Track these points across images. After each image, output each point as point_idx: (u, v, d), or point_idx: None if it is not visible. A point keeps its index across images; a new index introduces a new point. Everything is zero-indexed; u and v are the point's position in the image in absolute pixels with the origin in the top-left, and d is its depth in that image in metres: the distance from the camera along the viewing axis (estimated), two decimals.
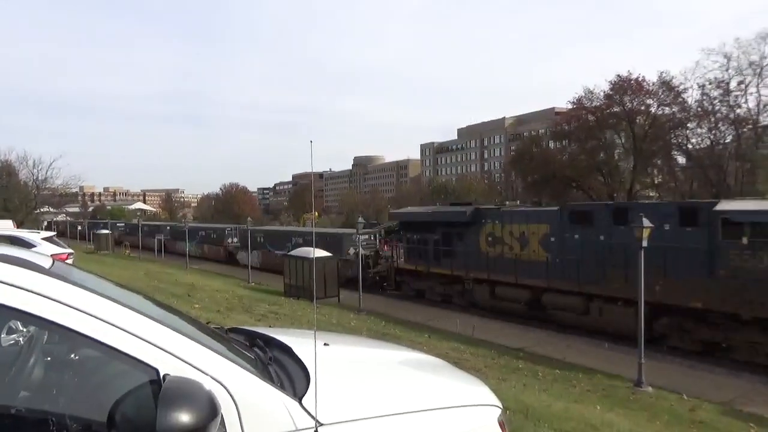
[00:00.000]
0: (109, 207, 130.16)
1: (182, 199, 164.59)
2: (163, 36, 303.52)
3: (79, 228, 65.53)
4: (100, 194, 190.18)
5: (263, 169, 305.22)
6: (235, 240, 45.18)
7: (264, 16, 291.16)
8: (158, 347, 1.73)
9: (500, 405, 2.46)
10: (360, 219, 26.11)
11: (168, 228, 56.85)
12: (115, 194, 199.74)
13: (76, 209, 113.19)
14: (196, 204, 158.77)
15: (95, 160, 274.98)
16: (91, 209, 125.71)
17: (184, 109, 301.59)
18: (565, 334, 19.45)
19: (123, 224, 71.25)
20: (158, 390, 1.59)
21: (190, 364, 1.77)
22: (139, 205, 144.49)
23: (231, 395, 1.79)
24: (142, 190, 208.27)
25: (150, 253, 47.79)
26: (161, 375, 1.68)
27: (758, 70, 38.00)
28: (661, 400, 12.00)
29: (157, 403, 1.53)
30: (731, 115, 40.03)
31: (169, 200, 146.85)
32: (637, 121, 44.15)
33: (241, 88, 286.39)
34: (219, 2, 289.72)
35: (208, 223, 73.39)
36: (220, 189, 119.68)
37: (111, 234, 53.12)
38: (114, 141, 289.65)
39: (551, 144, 55.92)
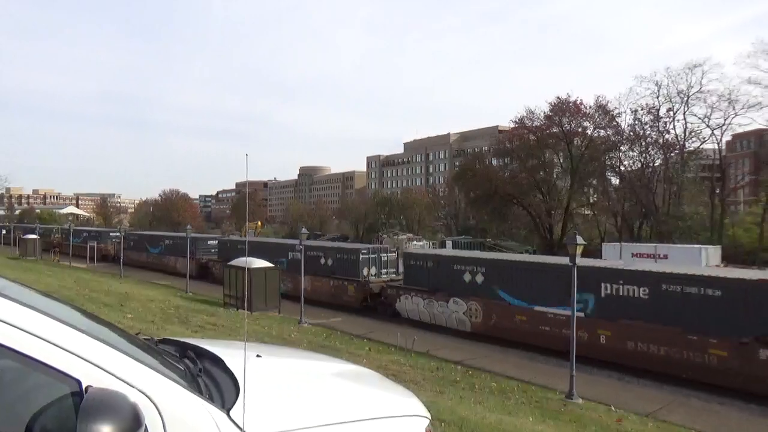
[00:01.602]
0: (38, 210, 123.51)
1: (118, 205, 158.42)
2: (103, 35, 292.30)
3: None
4: (28, 197, 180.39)
5: (206, 176, 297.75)
6: (387, 271, 27.33)
7: (209, 20, 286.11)
8: (81, 358, 1.69)
9: (428, 416, 2.53)
10: (303, 230, 25.75)
11: (209, 244, 37.61)
12: (45, 197, 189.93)
13: (1, 212, 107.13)
14: (133, 210, 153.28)
15: (24, 161, 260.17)
16: (18, 212, 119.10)
17: (124, 111, 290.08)
18: (503, 347, 19.90)
19: (120, 232, 43.60)
20: (80, 402, 1.56)
21: (114, 376, 1.74)
22: (72, 209, 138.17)
23: (156, 407, 1.76)
24: (75, 194, 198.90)
25: (180, 280, 32.61)
26: (83, 386, 1.64)
27: (685, 99, 40.60)
28: (590, 411, 12.45)
29: (78, 415, 1.50)
30: (660, 140, 42.46)
31: (104, 205, 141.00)
32: (575, 142, 46.06)
33: (185, 93, 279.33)
34: (163, 4, 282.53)
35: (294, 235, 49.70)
36: (160, 195, 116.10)
37: (38, 239, 50.31)
38: (46, 141, 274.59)
39: (494, 161, 57.46)
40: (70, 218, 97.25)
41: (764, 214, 38.04)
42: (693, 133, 41.34)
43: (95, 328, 2.12)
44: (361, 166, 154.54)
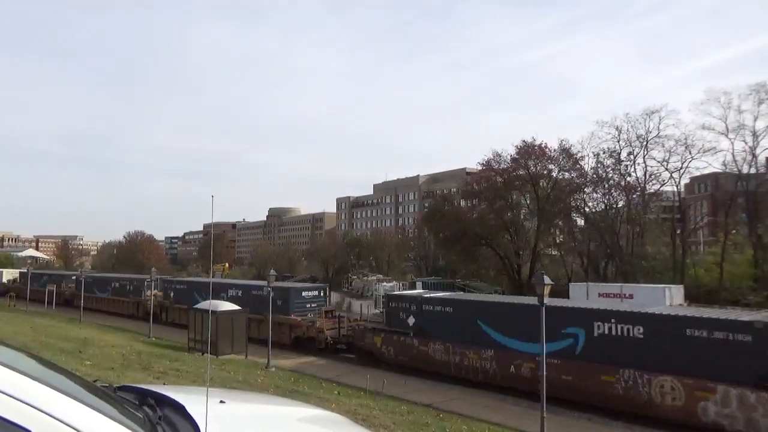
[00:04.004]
0: None
1: (80, 247, 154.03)
2: (67, 76, 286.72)
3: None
4: None
5: (173, 217, 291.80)
6: None
7: (179, 63, 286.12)
8: (31, 406, 1.61)
9: None
10: (272, 271, 25.45)
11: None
12: (3, 239, 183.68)
13: None
14: (95, 252, 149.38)
15: None
16: None
17: (87, 152, 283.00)
18: (474, 390, 19.75)
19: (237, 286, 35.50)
20: None
21: (68, 425, 1.65)
22: (31, 252, 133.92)
23: None
24: (35, 236, 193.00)
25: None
26: None
27: (644, 143, 42.08)
28: None
29: None
30: (622, 183, 43.74)
31: (66, 247, 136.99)
32: (540, 183, 47.06)
33: (152, 134, 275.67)
34: (128, 45, 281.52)
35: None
36: (124, 237, 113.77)
37: None
38: (4, 182, 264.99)
39: (462, 202, 58.14)
40: (29, 261, 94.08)
41: (723, 255, 39.17)
42: (653, 176, 42.65)
43: (48, 375, 2.04)
44: (331, 208, 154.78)
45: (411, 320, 22.75)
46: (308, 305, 29.84)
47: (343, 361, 25.85)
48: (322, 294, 31.73)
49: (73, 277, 52.17)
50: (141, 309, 40.76)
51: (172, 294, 38.96)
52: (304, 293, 30.55)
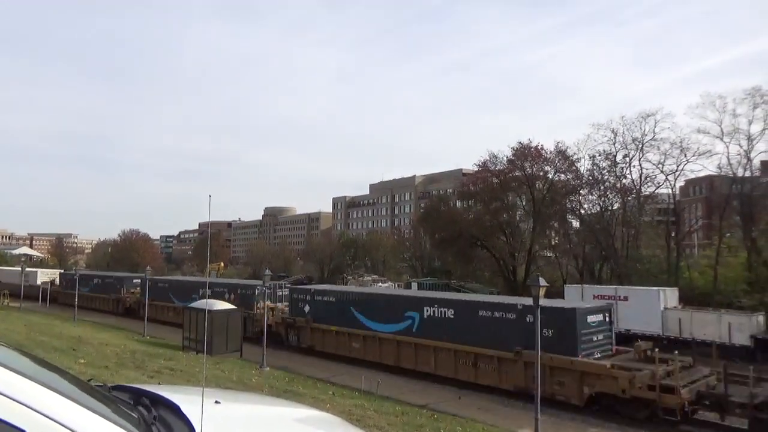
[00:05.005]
0: None
1: (75, 245, 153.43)
2: (64, 75, 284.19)
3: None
4: None
5: (169, 216, 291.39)
6: None
7: (177, 63, 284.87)
8: (25, 406, 1.60)
9: None
10: (267, 271, 25.40)
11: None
12: None
13: None
14: (90, 250, 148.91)
15: None
16: None
17: (83, 151, 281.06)
18: (468, 390, 19.75)
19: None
20: None
21: (62, 425, 1.64)
22: (25, 249, 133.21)
23: None
24: (29, 234, 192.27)
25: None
26: None
27: (640, 146, 42.22)
28: None
29: None
30: (618, 185, 43.89)
31: (60, 245, 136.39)
32: (536, 185, 47.15)
33: (148, 133, 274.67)
34: (128, 45, 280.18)
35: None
36: (119, 235, 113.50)
37: None
38: None
39: (458, 203, 58.21)
40: (23, 259, 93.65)
41: (718, 258, 39.31)
42: (648, 179, 42.80)
43: (42, 374, 2.02)
44: (327, 207, 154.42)
45: None
46: (594, 338, 18.42)
47: None
48: (607, 319, 19.29)
49: (136, 281, 44.66)
50: (249, 326, 28.59)
51: (307, 308, 27.24)
52: (589, 318, 18.51)
